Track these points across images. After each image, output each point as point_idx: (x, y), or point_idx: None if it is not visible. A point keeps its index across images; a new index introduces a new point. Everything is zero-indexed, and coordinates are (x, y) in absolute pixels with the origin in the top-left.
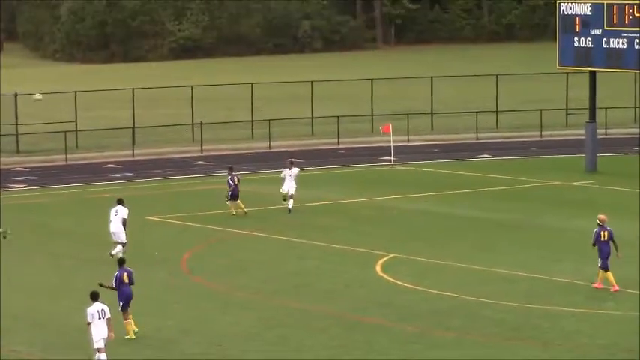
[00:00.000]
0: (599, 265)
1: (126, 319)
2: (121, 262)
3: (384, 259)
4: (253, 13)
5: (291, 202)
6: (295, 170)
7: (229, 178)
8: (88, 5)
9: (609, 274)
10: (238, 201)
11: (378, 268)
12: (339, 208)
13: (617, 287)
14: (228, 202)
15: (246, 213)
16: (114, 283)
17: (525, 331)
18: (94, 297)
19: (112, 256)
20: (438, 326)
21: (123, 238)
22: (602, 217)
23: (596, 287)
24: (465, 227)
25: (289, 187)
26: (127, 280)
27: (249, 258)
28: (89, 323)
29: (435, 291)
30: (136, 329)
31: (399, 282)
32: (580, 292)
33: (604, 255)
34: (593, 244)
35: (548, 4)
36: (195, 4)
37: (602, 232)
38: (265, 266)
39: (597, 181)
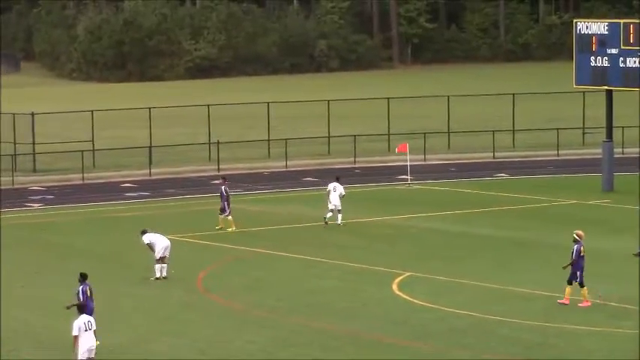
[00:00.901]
0: (574, 280)
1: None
2: (85, 276)
3: (400, 277)
4: (270, 33)
5: (340, 215)
6: (339, 186)
7: (223, 187)
8: (105, 25)
9: (584, 290)
10: (230, 216)
11: (394, 286)
12: (355, 226)
13: (589, 302)
14: (229, 217)
15: (234, 230)
16: (82, 297)
17: (543, 350)
18: (81, 310)
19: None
20: (454, 345)
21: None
22: (580, 232)
23: (563, 303)
24: (482, 246)
25: (335, 201)
26: (89, 294)
27: (266, 276)
28: (76, 336)
29: (451, 309)
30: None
31: (414, 300)
32: (598, 311)
33: (580, 270)
34: (575, 261)
35: (564, 23)
36: (211, 24)
37: (581, 248)
38: (282, 285)
39: (614, 200)
